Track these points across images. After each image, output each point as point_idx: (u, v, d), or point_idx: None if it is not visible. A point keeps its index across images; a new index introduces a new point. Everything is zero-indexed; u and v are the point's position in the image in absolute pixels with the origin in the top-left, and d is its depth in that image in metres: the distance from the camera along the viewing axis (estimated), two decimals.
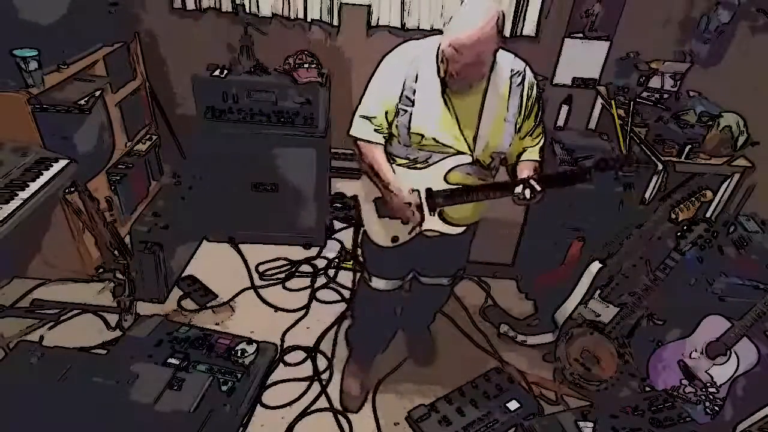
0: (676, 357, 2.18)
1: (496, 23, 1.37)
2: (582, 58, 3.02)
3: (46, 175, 2.05)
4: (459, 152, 1.58)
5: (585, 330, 2.29)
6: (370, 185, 1.71)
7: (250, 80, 2.65)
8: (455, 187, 1.60)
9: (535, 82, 1.64)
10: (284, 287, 2.75)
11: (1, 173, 1.99)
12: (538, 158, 1.71)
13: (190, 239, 2.90)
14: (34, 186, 1.99)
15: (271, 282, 2.77)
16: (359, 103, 1.62)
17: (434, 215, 1.65)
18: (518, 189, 1.56)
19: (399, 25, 2.93)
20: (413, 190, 1.61)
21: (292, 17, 2.91)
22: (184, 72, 3.00)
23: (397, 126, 1.56)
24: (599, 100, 3.10)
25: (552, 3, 2.86)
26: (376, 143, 1.61)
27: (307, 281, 2.79)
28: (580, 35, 2.95)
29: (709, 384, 2.07)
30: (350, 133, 1.64)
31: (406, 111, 1.53)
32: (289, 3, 2.86)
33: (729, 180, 2.56)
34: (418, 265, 1.99)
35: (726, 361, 2.06)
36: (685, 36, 2.84)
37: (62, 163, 2.13)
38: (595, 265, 2.38)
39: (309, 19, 2.91)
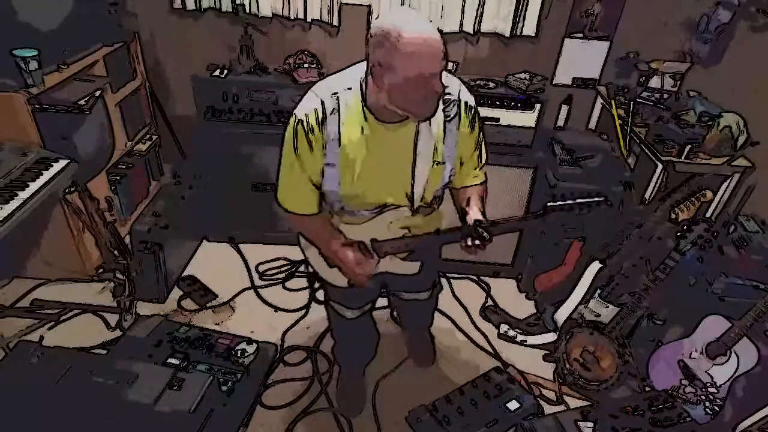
0: (676, 357, 2.18)
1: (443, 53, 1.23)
2: (582, 58, 3.02)
3: (46, 175, 2.05)
4: (398, 206, 1.48)
5: (585, 330, 2.29)
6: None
7: (250, 80, 2.65)
8: (401, 236, 1.52)
9: (473, 104, 1.46)
10: (284, 287, 2.75)
11: (1, 173, 1.99)
12: (479, 182, 1.59)
13: (190, 239, 2.90)
14: (34, 186, 1.99)
15: (271, 282, 2.77)
16: (277, 174, 1.48)
17: (384, 258, 1.58)
18: (468, 242, 1.40)
19: None
20: (360, 244, 1.54)
21: (292, 17, 2.90)
22: (184, 72, 3.00)
23: (326, 189, 1.44)
24: (599, 100, 3.10)
25: (552, 3, 2.85)
26: (309, 215, 1.50)
27: (305, 282, 2.79)
28: (580, 35, 2.95)
29: (709, 384, 2.07)
30: (278, 202, 1.52)
31: (332, 173, 1.38)
32: (289, 3, 2.86)
33: (729, 180, 2.56)
34: (388, 285, 1.96)
35: (726, 361, 2.06)
36: (685, 36, 2.84)
37: (62, 163, 2.13)
38: (595, 265, 2.38)
39: (309, 19, 2.91)
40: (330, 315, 2.04)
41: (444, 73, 1.29)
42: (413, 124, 1.38)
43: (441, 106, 1.39)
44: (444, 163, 1.45)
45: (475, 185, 1.59)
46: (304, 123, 1.36)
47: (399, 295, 2.07)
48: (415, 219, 1.53)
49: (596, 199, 1.37)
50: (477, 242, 1.38)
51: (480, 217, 1.45)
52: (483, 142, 1.57)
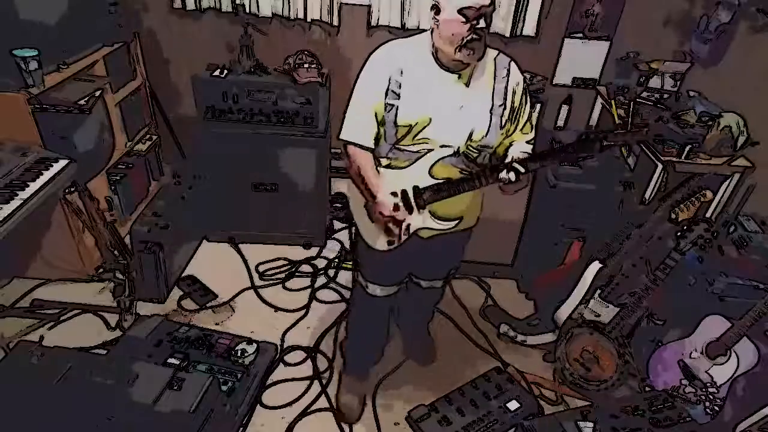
0: (676, 357, 2.18)
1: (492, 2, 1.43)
2: (582, 58, 3.02)
3: (46, 175, 2.05)
4: (442, 146, 1.57)
5: (585, 330, 2.29)
6: (358, 192, 1.70)
7: (250, 80, 2.65)
8: (440, 181, 1.59)
9: (522, 78, 1.63)
10: (284, 287, 2.75)
11: (1, 173, 1.99)
12: (529, 151, 1.68)
13: (190, 239, 2.90)
14: (34, 186, 1.99)
15: (271, 282, 2.77)
16: (347, 106, 1.62)
17: (423, 212, 1.64)
18: (502, 174, 1.53)
19: (399, 25, 2.93)
20: (402, 192, 1.59)
21: (292, 17, 2.91)
22: (184, 72, 3.01)
23: (384, 123, 1.57)
24: (599, 100, 3.10)
25: (552, 3, 2.85)
26: (365, 147, 1.61)
27: (307, 281, 2.79)
28: (580, 35, 2.95)
29: (709, 384, 2.07)
30: (339, 137, 1.64)
31: (392, 106, 1.54)
32: (289, 3, 2.86)
33: (729, 180, 2.56)
34: (415, 268, 1.99)
35: (726, 361, 2.06)
36: (685, 36, 2.84)
37: (62, 163, 2.13)
38: (595, 265, 2.38)
39: (309, 19, 2.91)
40: (355, 298, 2.06)
41: (494, 49, 1.58)
42: (467, 74, 1.54)
43: (493, 67, 1.58)
44: (491, 116, 1.56)
45: (522, 151, 1.66)
46: (377, 58, 1.57)
47: (418, 282, 2.07)
48: (455, 170, 1.60)
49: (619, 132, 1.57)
50: (513, 176, 1.50)
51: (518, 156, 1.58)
52: (532, 117, 1.70)
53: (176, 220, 2.59)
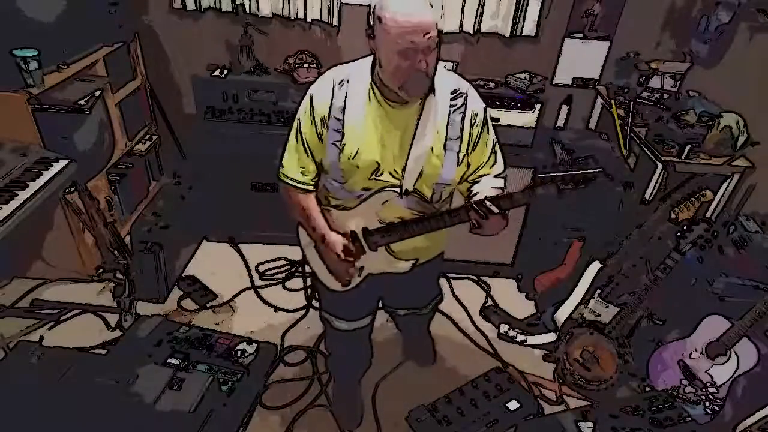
0: (676, 357, 2.18)
1: (435, 24, 1.26)
2: (582, 58, 3.01)
3: (46, 175, 2.05)
4: (389, 186, 1.46)
5: (585, 330, 2.29)
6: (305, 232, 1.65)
7: (250, 80, 2.66)
8: (392, 222, 1.50)
9: (482, 106, 1.48)
10: (284, 287, 2.75)
11: (1, 173, 1.99)
12: (501, 186, 1.53)
13: (190, 239, 2.90)
14: (34, 186, 1.99)
15: (271, 282, 2.77)
16: (285, 144, 1.54)
17: (377, 254, 1.56)
18: (462, 215, 1.38)
19: None
20: (351, 233, 1.54)
21: (292, 17, 2.90)
22: (184, 72, 3.01)
23: (327, 162, 1.47)
24: (599, 100, 3.09)
25: (552, 3, 2.85)
26: (306, 190, 1.54)
27: (307, 281, 2.79)
28: (580, 35, 2.94)
29: (709, 384, 2.07)
30: (279, 175, 1.56)
31: (335, 145, 1.42)
32: (289, 3, 2.86)
33: (729, 180, 2.56)
34: (385, 300, 1.94)
35: (726, 361, 2.06)
36: (685, 36, 2.84)
37: (62, 163, 2.13)
38: (595, 265, 2.38)
39: (309, 19, 2.91)
40: (325, 329, 2.01)
41: (455, 75, 1.45)
42: (417, 107, 1.41)
43: (449, 97, 1.43)
44: (444, 152, 1.44)
45: (493, 188, 1.52)
46: (313, 96, 1.45)
47: (395, 312, 2.04)
48: (407, 212, 1.50)
49: (592, 170, 1.35)
50: (480, 215, 1.35)
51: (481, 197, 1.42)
52: (497, 151, 1.56)
53: (176, 220, 2.59)
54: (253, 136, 2.67)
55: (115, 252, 2.32)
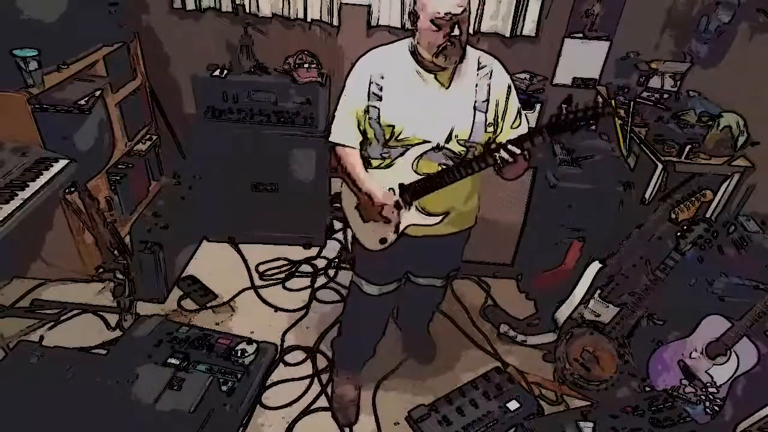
0: (676, 357, 2.18)
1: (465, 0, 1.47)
2: (582, 58, 3.02)
3: (46, 175, 2.05)
4: (424, 141, 1.61)
5: (585, 330, 2.29)
6: (350, 192, 1.77)
7: (250, 80, 2.65)
8: (424, 175, 1.63)
9: (508, 77, 1.67)
10: (284, 287, 2.75)
11: (1, 173, 1.99)
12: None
13: (190, 239, 2.90)
14: (34, 186, 1.99)
15: (271, 282, 2.77)
16: (335, 110, 1.70)
17: (410, 209, 1.69)
18: (491, 158, 1.53)
19: (399, 25, 2.93)
20: (389, 190, 1.65)
21: (292, 17, 2.90)
22: (184, 72, 3.01)
23: (369, 124, 1.64)
24: (599, 100, 3.09)
25: (552, 3, 2.85)
26: (352, 147, 1.69)
27: (307, 281, 2.79)
28: (580, 35, 2.95)
29: (709, 384, 2.07)
30: (329, 139, 1.72)
31: (375, 107, 1.61)
32: (289, 3, 2.86)
33: (729, 180, 2.56)
34: (411, 267, 2.00)
35: (726, 361, 2.06)
36: (685, 36, 2.84)
37: (62, 163, 2.12)
38: (595, 265, 2.38)
39: (309, 19, 2.91)
40: (350, 295, 2.07)
41: (478, 50, 1.65)
42: (449, 73, 1.59)
43: (476, 66, 1.63)
44: (474, 112, 1.60)
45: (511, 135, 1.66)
46: (360, 65, 1.65)
47: (415, 281, 2.07)
48: (440, 166, 1.63)
49: (601, 105, 1.50)
50: (507, 155, 1.51)
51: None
52: (518, 108, 1.70)
53: (176, 220, 2.59)
54: (253, 136, 2.67)
55: (115, 252, 2.32)
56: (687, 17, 2.82)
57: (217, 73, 2.64)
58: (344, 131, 1.69)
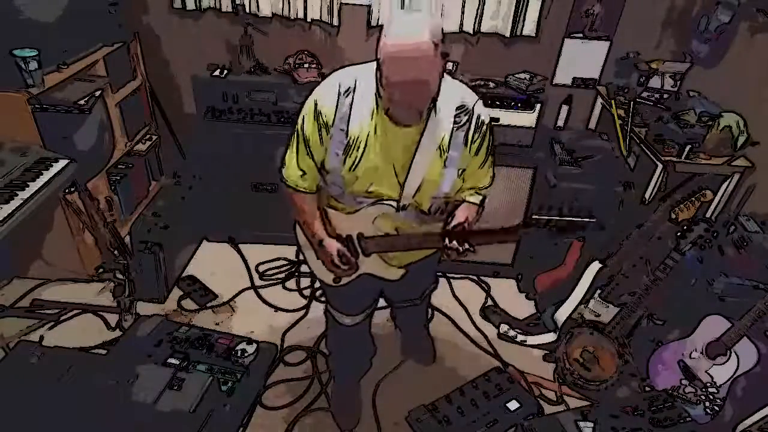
0: (676, 357, 2.18)
1: (433, 42, 1.18)
2: (582, 58, 3.01)
3: (46, 175, 2.05)
4: (386, 198, 1.47)
5: (585, 330, 2.29)
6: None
7: (250, 80, 2.65)
8: (385, 234, 1.54)
9: (486, 120, 1.46)
10: (284, 287, 2.75)
11: (1, 173, 1.99)
12: (477, 202, 1.58)
13: (190, 239, 2.90)
14: (34, 186, 1.99)
15: (271, 282, 2.77)
16: (287, 146, 1.52)
17: (369, 257, 1.61)
18: (447, 242, 1.43)
19: None
20: (347, 237, 1.57)
21: (292, 17, 2.90)
22: (184, 72, 3.01)
23: (327, 168, 1.46)
24: (599, 100, 3.09)
25: (552, 3, 2.85)
26: (305, 192, 1.54)
27: (307, 281, 2.79)
28: (580, 35, 2.94)
29: (709, 384, 2.07)
30: (281, 177, 1.55)
31: (338, 154, 1.40)
32: (289, 3, 2.86)
33: (729, 180, 2.56)
34: (382, 295, 1.97)
35: (726, 361, 2.06)
36: (685, 36, 2.84)
37: (62, 163, 2.12)
38: (595, 265, 2.38)
39: (309, 19, 2.91)
40: (328, 323, 2.03)
41: (462, 86, 1.43)
42: (422, 125, 1.38)
43: (453, 114, 1.40)
44: (445, 167, 1.43)
45: (470, 203, 1.57)
46: (317, 102, 1.41)
47: (392, 304, 2.09)
48: (404, 223, 1.53)
49: (586, 220, 1.33)
50: (455, 246, 1.41)
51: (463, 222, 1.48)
52: (490, 163, 1.56)
53: (176, 220, 2.59)
54: (253, 136, 2.66)
55: (115, 252, 2.32)
56: (687, 17, 2.82)
57: (217, 73, 2.64)
58: (295, 173, 1.50)
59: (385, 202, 1.48)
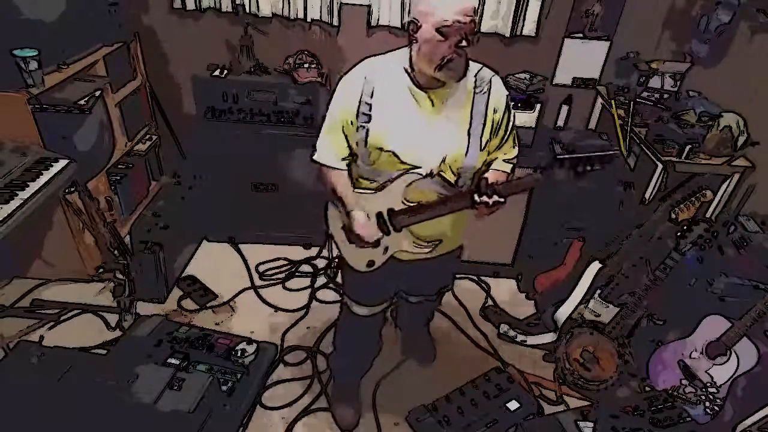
0: (676, 357, 2.18)
1: (473, 9, 1.36)
2: (582, 58, 3.02)
3: (46, 175, 2.05)
4: (414, 168, 1.52)
5: (585, 330, 2.29)
6: (337, 212, 1.69)
7: (250, 80, 2.65)
8: (414, 204, 1.56)
9: (506, 93, 1.56)
10: (284, 287, 2.75)
11: (1, 173, 1.99)
12: (506, 170, 1.65)
13: (190, 239, 2.90)
14: (34, 186, 1.99)
15: (271, 282, 2.77)
16: (321, 128, 1.61)
17: (400, 235, 1.62)
18: (476, 197, 1.47)
19: (399, 25, 2.93)
20: (377, 214, 1.59)
21: (292, 17, 2.90)
22: (184, 72, 3.01)
23: (357, 144, 1.54)
24: (599, 100, 3.09)
25: (552, 3, 2.85)
26: (338, 169, 1.60)
27: (307, 281, 2.79)
28: (580, 35, 2.95)
29: (709, 384, 2.07)
30: (313, 158, 1.63)
31: (363, 128, 1.50)
32: (289, 3, 2.86)
33: (729, 180, 2.55)
34: (401, 287, 1.98)
35: (726, 361, 2.06)
36: (685, 36, 2.84)
37: (62, 163, 2.13)
38: (595, 265, 2.38)
39: (309, 19, 2.91)
40: (341, 314, 2.04)
41: (476, 62, 1.51)
42: (447, 91, 1.48)
43: (473, 84, 1.51)
44: (469, 138, 1.50)
45: (498, 170, 1.64)
46: (347, 84, 1.53)
47: (407, 298, 2.07)
48: (431, 194, 1.56)
49: (607, 153, 1.42)
50: (485, 200, 1.45)
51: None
52: (514, 136, 1.64)
53: (176, 220, 2.59)
54: (253, 136, 2.67)
55: (115, 252, 2.32)
56: (687, 17, 2.81)
57: (217, 73, 2.64)
58: (329, 151, 1.59)
59: (412, 171, 1.53)
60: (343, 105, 1.52)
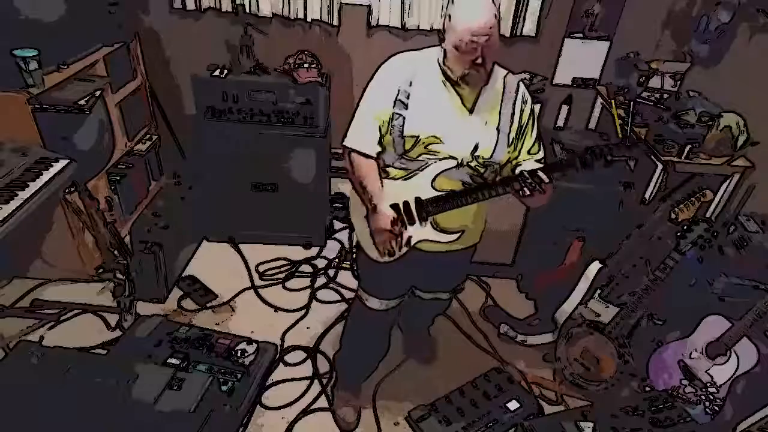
0: (676, 357, 2.18)
1: (497, 10, 1.45)
2: (582, 58, 3.02)
3: (46, 175, 2.05)
4: (447, 157, 1.57)
5: (585, 330, 2.29)
6: (359, 200, 1.69)
7: (250, 80, 2.65)
8: (444, 192, 1.59)
9: (530, 98, 1.65)
10: (284, 287, 2.75)
11: (1, 173, 1.99)
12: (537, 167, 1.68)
13: (190, 239, 2.90)
14: (34, 186, 1.99)
15: (271, 282, 2.77)
16: (353, 114, 1.63)
17: (425, 225, 1.63)
18: (516, 185, 1.51)
19: (399, 25, 2.93)
20: (404, 203, 1.59)
21: (292, 17, 2.91)
22: (184, 72, 3.01)
23: (390, 132, 1.57)
24: (599, 100, 3.10)
25: (552, 3, 2.86)
26: (369, 156, 1.61)
27: (307, 281, 2.79)
28: (580, 35, 2.95)
29: (709, 384, 2.07)
30: (343, 143, 1.63)
31: (400, 116, 1.54)
32: (289, 3, 2.86)
33: (729, 180, 2.56)
34: (417, 281, 1.97)
35: (726, 361, 2.06)
36: (685, 36, 2.84)
37: (62, 163, 2.12)
38: (595, 265, 2.38)
39: (309, 19, 2.91)
40: (352, 310, 2.04)
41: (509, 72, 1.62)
42: (477, 88, 1.56)
43: (503, 85, 1.60)
44: (498, 132, 1.57)
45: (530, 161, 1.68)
46: (388, 68, 1.60)
47: (420, 295, 2.06)
48: (459, 183, 1.60)
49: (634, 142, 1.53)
50: (529, 182, 1.49)
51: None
52: (539, 136, 1.69)
53: (176, 220, 2.59)
54: (253, 136, 2.67)
55: (115, 252, 2.32)
56: (687, 17, 2.82)
57: (217, 73, 2.64)
58: (363, 137, 1.60)
59: (443, 159, 1.57)
60: (382, 92, 1.57)
